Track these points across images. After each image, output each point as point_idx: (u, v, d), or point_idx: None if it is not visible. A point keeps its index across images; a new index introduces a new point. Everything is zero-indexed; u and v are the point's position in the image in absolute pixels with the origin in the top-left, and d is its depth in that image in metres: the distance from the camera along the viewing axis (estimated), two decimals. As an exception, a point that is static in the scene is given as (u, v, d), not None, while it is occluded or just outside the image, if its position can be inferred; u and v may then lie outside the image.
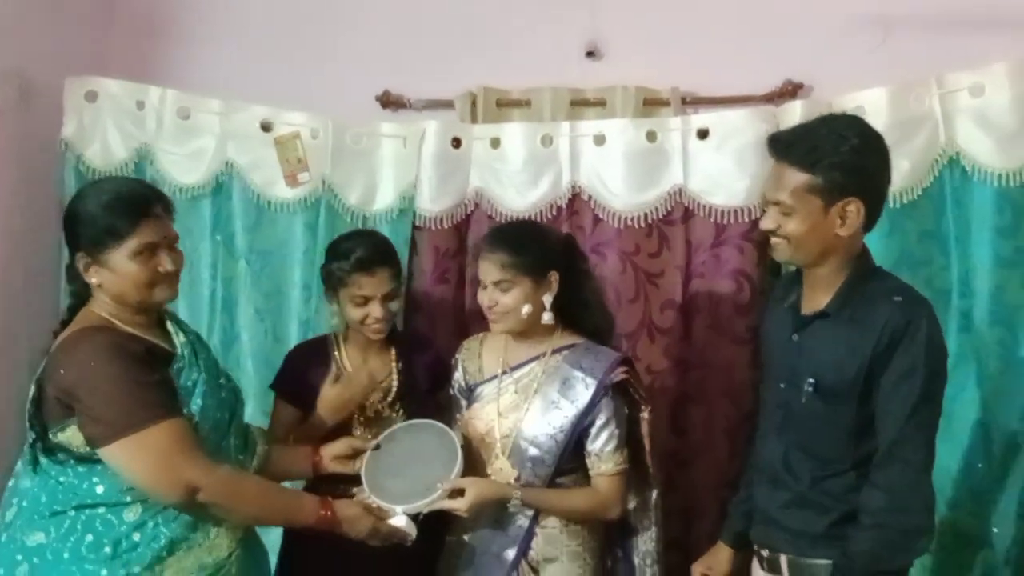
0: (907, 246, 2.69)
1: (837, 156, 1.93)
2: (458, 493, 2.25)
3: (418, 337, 2.76)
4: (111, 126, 3.01)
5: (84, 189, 2.15)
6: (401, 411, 2.50)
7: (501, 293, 2.34)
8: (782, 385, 2.10)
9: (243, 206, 2.99)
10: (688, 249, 2.89)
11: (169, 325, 2.14)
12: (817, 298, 2.06)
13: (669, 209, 2.87)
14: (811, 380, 2.01)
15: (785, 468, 2.09)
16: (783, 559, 2.08)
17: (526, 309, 2.34)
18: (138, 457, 1.93)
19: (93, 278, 2.03)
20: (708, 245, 2.86)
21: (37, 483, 2.01)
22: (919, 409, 1.92)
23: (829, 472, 2.02)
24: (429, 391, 2.56)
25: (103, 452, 1.94)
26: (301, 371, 2.54)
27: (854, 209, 1.95)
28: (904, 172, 2.66)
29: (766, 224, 2.05)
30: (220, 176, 2.99)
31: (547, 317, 2.37)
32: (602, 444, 2.34)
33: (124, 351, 1.96)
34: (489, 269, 2.35)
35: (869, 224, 2.01)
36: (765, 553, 2.14)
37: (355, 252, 2.44)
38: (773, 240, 2.05)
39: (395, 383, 2.51)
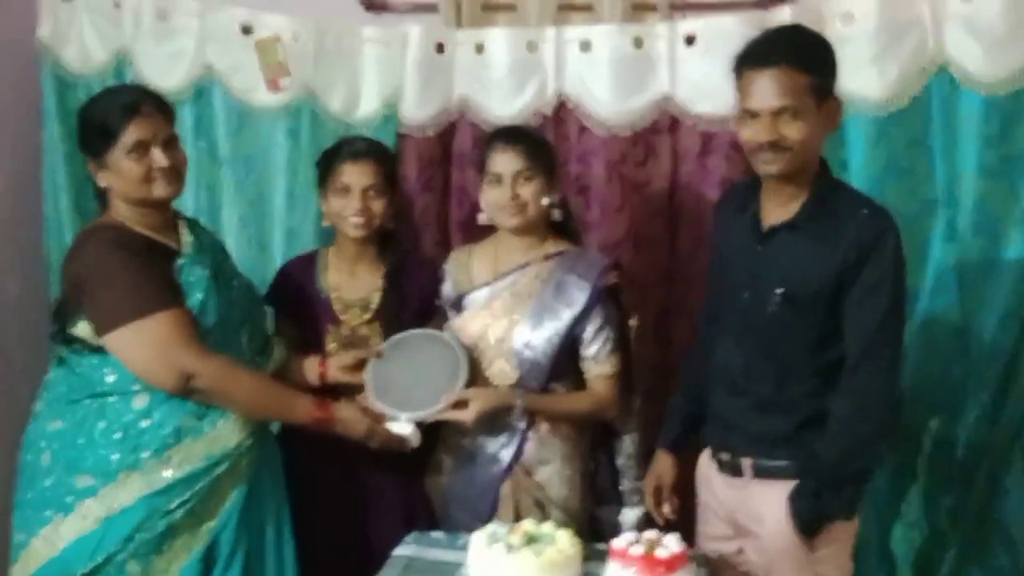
0: (894, 155, 2.67)
1: (824, 54, 2.00)
2: (462, 404, 2.28)
3: (416, 259, 2.70)
4: (88, 26, 2.91)
5: (90, 98, 2.29)
6: (381, 331, 2.48)
7: (523, 183, 2.35)
8: (746, 294, 2.11)
9: (224, 112, 2.92)
10: (675, 158, 2.86)
11: (181, 226, 2.25)
12: (777, 211, 2.07)
13: (656, 118, 2.83)
14: (780, 290, 2.03)
15: (745, 376, 2.12)
16: (745, 462, 2.13)
17: (546, 201, 2.36)
18: (135, 345, 2.05)
19: (102, 182, 2.17)
20: (695, 154, 2.83)
21: (60, 375, 2.16)
22: (887, 320, 1.98)
23: (791, 377, 2.07)
24: (417, 315, 2.52)
25: (105, 341, 2.07)
26: (291, 288, 2.54)
27: (835, 106, 2.00)
28: (892, 80, 2.63)
29: (766, 135, 1.95)
30: (200, 80, 2.91)
31: (557, 213, 2.41)
32: (598, 348, 2.39)
33: (123, 245, 2.09)
34: (511, 159, 2.35)
35: None
36: (725, 456, 2.17)
37: (347, 144, 2.54)
38: (769, 154, 1.98)
39: (376, 302, 2.50)
